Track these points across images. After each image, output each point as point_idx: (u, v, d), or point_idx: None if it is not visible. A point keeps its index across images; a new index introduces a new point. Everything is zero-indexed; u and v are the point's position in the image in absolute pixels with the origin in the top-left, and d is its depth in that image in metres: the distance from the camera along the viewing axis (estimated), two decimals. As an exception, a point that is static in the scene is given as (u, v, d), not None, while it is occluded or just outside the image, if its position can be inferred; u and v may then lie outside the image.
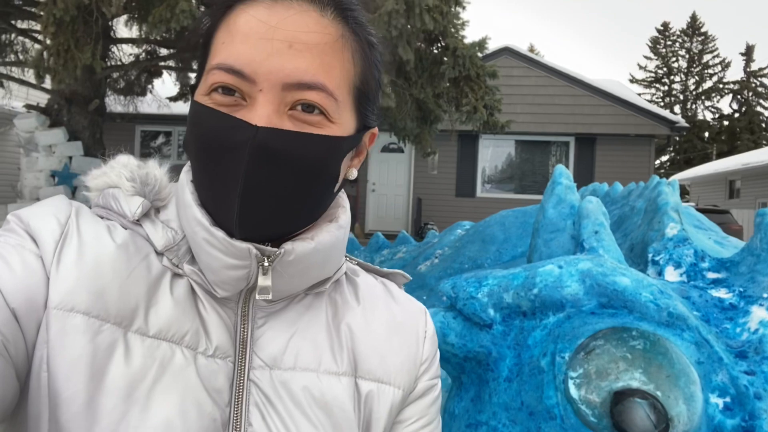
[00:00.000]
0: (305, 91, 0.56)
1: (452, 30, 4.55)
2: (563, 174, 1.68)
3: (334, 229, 0.63)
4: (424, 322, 0.74)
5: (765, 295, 1.27)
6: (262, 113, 0.55)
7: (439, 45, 4.65)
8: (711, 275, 1.57)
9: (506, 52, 10.78)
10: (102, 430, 0.52)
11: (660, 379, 1.07)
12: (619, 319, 1.21)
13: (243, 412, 0.58)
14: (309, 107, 0.57)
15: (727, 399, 1.08)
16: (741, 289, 1.36)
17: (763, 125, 33.06)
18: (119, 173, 0.64)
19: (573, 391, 1.12)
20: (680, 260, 1.61)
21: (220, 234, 0.56)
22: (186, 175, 0.62)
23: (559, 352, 1.20)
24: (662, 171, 32.05)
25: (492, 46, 11.23)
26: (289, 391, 0.60)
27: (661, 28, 35.48)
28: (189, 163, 0.63)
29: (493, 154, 11.09)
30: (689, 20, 34.99)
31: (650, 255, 1.68)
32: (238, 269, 0.57)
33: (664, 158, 34.38)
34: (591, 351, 1.15)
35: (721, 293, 1.38)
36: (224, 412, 0.57)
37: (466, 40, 4.75)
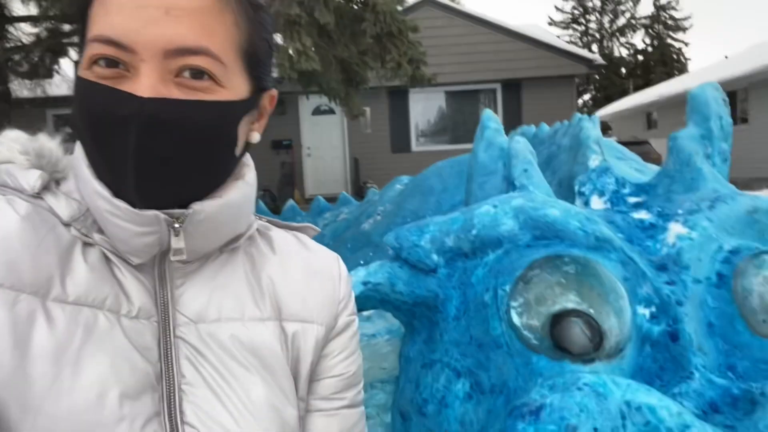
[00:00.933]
0: (189, 57, 0.56)
1: (371, -16, 4.50)
2: (491, 118, 1.73)
3: (242, 186, 0.65)
4: (338, 267, 0.78)
5: (680, 212, 1.38)
6: (146, 83, 0.54)
7: (358, 1, 4.57)
8: (632, 200, 1.68)
9: (427, 3, 10.73)
10: (36, 395, 0.53)
11: (592, 297, 1.16)
12: (552, 249, 1.29)
13: (174, 365, 0.60)
14: (197, 73, 0.57)
15: (653, 308, 1.18)
16: (659, 209, 1.47)
17: (674, 57, 34.69)
18: (10, 147, 0.62)
19: (515, 319, 1.19)
20: (603, 189, 1.72)
21: (123, 205, 0.57)
22: (79, 147, 0.62)
23: (500, 286, 1.28)
24: (585, 109, 33.23)
25: (411, -3, 11.17)
26: (217, 341, 0.62)
27: (574, -33, 36.16)
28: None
29: (424, 107, 11.17)
30: (600, -42, 35.81)
31: (576, 187, 1.78)
32: (148, 236, 0.58)
33: (586, 97, 35.61)
34: (529, 281, 1.23)
35: (642, 215, 1.49)
36: (156, 367, 0.60)
37: None
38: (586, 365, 1.10)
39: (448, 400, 1.27)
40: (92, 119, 0.56)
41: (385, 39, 4.68)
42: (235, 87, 0.61)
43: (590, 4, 36.10)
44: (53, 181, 0.63)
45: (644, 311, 1.18)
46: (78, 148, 0.62)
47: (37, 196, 0.61)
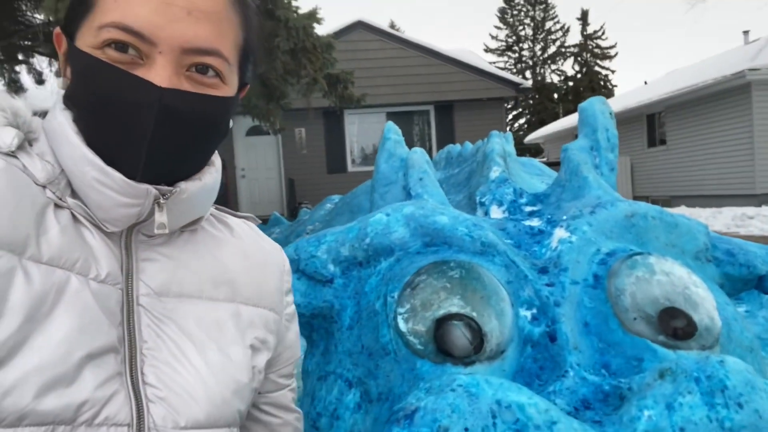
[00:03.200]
0: (204, 56, 0.63)
1: (284, 1, 4.49)
2: (392, 129, 1.75)
3: (214, 172, 0.71)
4: (283, 257, 0.86)
5: (565, 218, 1.43)
6: (163, 74, 0.60)
7: (274, 18, 4.57)
8: (528, 208, 1.73)
9: (360, 26, 10.90)
10: (7, 348, 0.54)
11: (475, 301, 1.17)
12: (441, 255, 1.30)
13: (135, 331, 0.63)
14: (204, 68, 0.63)
15: (534, 310, 1.21)
16: (549, 216, 1.52)
17: (602, 83, 36.64)
18: None
19: (402, 325, 1.19)
20: (502, 199, 1.76)
21: (117, 175, 0.60)
22: (64, 114, 0.63)
23: (390, 293, 1.27)
24: (521, 132, 34.47)
25: (346, 20, 11.32)
26: (177, 314, 0.66)
27: (507, -2, 37.81)
28: (59, 99, 0.65)
29: (359, 129, 11.23)
30: (530, -11, 37.64)
31: (477, 198, 1.82)
32: (132, 207, 0.61)
33: (522, 121, 37.01)
34: (416, 286, 1.23)
35: (534, 222, 1.53)
36: (118, 331, 0.62)
37: (301, 11, 4.72)
38: (467, 367, 1.11)
39: (339, 412, 1.25)
40: (107, 98, 0.60)
41: (300, 54, 4.68)
42: (233, 83, 0.68)
43: (523, 33, 37.76)
44: (27, 141, 0.64)
45: (526, 313, 1.21)
46: (60, 114, 0.64)
47: (11, 154, 0.61)
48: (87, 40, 0.61)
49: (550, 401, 1.04)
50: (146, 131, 0.60)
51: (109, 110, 0.60)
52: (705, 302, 1.16)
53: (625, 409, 0.96)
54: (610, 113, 1.77)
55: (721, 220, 8.17)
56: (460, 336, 1.11)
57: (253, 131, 10.74)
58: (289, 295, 0.85)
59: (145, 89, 0.59)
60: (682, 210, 9.52)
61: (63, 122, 0.63)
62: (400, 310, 1.22)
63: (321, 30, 5.53)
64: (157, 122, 0.60)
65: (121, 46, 0.60)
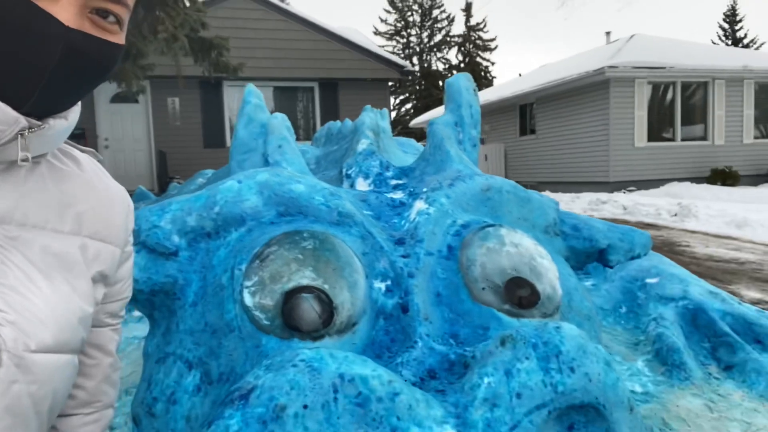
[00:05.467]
0: (111, 4, 0.63)
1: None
2: (252, 93, 1.63)
3: (77, 112, 0.71)
4: (129, 197, 0.85)
5: (425, 190, 1.41)
6: (70, 13, 0.59)
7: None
8: (393, 182, 1.71)
9: (242, -7, 10.37)
10: None
11: (327, 272, 1.12)
12: (295, 225, 1.23)
13: None
14: (105, 13, 0.63)
15: (388, 282, 1.18)
16: (411, 189, 1.50)
17: (482, 73, 38.36)
18: None
19: (248, 300, 1.10)
20: (368, 171, 1.72)
21: None
22: None
23: (237, 265, 1.18)
24: (407, 117, 35.16)
25: (225, -15, 10.68)
26: (21, 243, 0.65)
27: (396, -19, 38.13)
28: None
29: (239, 102, 10.72)
30: (419, -24, 38.26)
31: (344, 170, 1.76)
32: None
33: (408, 105, 37.77)
34: (266, 258, 1.15)
35: (398, 195, 1.51)
36: None
37: None
38: (315, 342, 1.05)
39: (177, 396, 1.14)
40: (5, 24, 0.57)
41: (158, 8, 4.30)
42: (125, 31, 0.68)
43: (411, 19, 38.35)
44: None
45: (380, 285, 1.17)
46: None
47: None
48: None
49: (397, 372, 1.01)
50: (46, 67, 0.59)
51: (8, 37, 0.58)
52: (549, 273, 1.20)
53: (467, 377, 0.96)
54: (474, 90, 1.79)
55: (579, 204, 8.90)
56: (308, 309, 1.05)
57: (118, 98, 9.83)
58: (131, 235, 0.86)
59: (51, 25, 0.59)
60: (547, 194, 10.28)
61: None
62: (247, 283, 1.13)
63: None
64: (58, 61, 0.59)
65: None
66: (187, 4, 4.72)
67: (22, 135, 0.62)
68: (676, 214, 6.97)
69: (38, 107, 0.63)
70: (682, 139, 12.08)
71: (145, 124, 10.30)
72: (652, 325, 2.03)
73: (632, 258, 1.60)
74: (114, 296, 0.83)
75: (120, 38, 0.67)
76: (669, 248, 4.95)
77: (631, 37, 13.97)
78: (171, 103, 10.14)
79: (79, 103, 0.73)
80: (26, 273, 0.65)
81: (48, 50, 0.59)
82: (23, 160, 0.64)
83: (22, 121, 0.62)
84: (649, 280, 2.26)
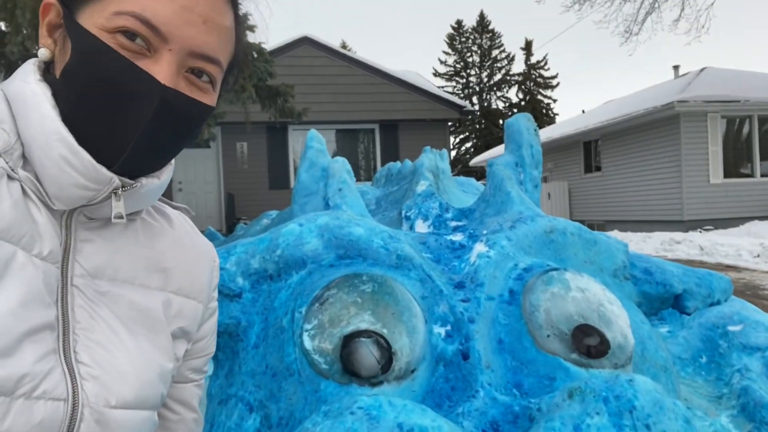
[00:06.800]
0: (207, 63, 0.66)
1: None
2: (314, 138, 1.68)
3: (171, 171, 0.73)
4: (215, 254, 0.87)
5: (485, 232, 1.39)
6: (167, 72, 0.62)
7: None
8: (453, 223, 1.69)
9: (306, 41, 10.81)
10: None
11: (386, 317, 1.10)
12: (354, 268, 1.23)
13: (69, 310, 0.64)
14: (200, 73, 0.66)
15: (448, 327, 1.15)
16: (471, 231, 1.48)
17: (544, 110, 38.02)
18: None
19: (307, 343, 1.11)
20: (427, 213, 1.72)
21: (86, 157, 0.61)
22: (41, 85, 0.63)
23: (298, 308, 1.19)
24: (467, 156, 35.16)
25: (292, 35, 11.23)
26: (110, 299, 0.67)
27: (456, 25, 38.81)
28: (33, 69, 0.65)
29: (303, 145, 11.05)
30: (478, 18, 38.78)
31: (404, 211, 1.76)
32: (88, 191, 0.62)
33: (468, 144, 37.83)
34: (325, 301, 1.15)
35: (457, 237, 1.49)
36: (55, 309, 0.63)
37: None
38: (374, 388, 1.03)
39: (237, 439, 1.14)
40: (107, 83, 0.60)
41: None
42: (218, 91, 0.71)
43: (470, 60, 38.79)
44: None
45: (440, 330, 1.15)
46: (35, 84, 0.64)
47: None
48: (96, 21, 0.62)
49: (458, 423, 0.98)
50: (141, 124, 0.61)
51: (107, 95, 0.61)
52: (619, 320, 1.14)
53: (533, 429, 0.91)
54: (535, 130, 1.76)
55: (650, 244, 8.51)
56: (367, 354, 1.04)
57: (191, 144, 10.41)
58: (215, 291, 0.87)
59: (148, 83, 0.61)
60: (614, 234, 9.89)
61: (38, 92, 0.63)
62: (307, 326, 1.13)
63: (267, 46, 5.41)
64: (153, 117, 0.61)
65: (131, 35, 0.61)
66: (255, 56, 5.00)
67: (116, 194, 0.64)
68: (758, 255, 6.50)
69: (131, 165, 0.64)
70: (762, 175, 11.39)
71: (216, 167, 10.81)
72: (737, 377, 1.87)
73: (711, 304, 1.50)
74: (197, 353, 0.83)
75: (212, 98, 0.69)
76: (752, 292, 4.61)
77: (702, 70, 13.48)
78: (239, 147, 10.62)
79: (173, 162, 0.75)
80: (112, 328, 0.66)
81: (144, 107, 0.61)
82: (117, 218, 0.66)
83: (116, 180, 0.64)
84: (731, 328, 2.10)
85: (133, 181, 0.66)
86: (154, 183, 0.69)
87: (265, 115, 6.93)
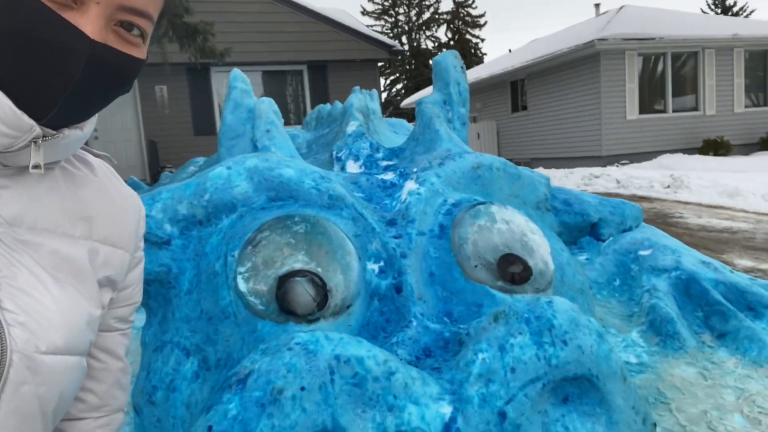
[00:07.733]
0: (137, 17, 0.63)
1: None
2: (238, 78, 1.62)
3: (93, 122, 0.71)
4: (141, 203, 0.85)
5: (415, 170, 1.41)
6: (96, 25, 0.59)
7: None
8: (384, 163, 1.71)
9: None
10: None
11: (320, 256, 1.12)
12: (286, 209, 1.23)
13: None
14: (130, 26, 0.63)
15: (381, 263, 1.18)
16: (402, 170, 1.50)
17: (472, 50, 38.06)
18: None
19: (242, 285, 1.11)
20: (358, 153, 1.72)
21: (6, 102, 0.58)
22: None
23: (230, 252, 1.18)
24: (398, 98, 34.93)
25: (209, -31, 10.47)
26: (30, 247, 0.65)
27: (383, -40, 37.58)
28: None
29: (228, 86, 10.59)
30: (405, -47, 37.71)
31: (334, 152, 1.75)
32: (6, 137, 0.60)
33: (399, 86, 37.51)
34: (258, 243, 1.15)
35: (388, 176, 1.51)
36: None
37: None
38: (310, 325, 1.06)
39: (176, 383, 1.15)
40: (28, 35, 0.58)
41: None
42: (148, 45, 0.69)
43: (397, -3, 37.91)
44: None
45: (373, 266, 1.18)
46: None
47: None
48: None
49: (393, 352, 1.02)
50: (70, 80, 0.59)
51: (31, 48, 0.59)
52: (540, 248, 1.20)
53: (462, 354, 0.96)
54: (462, 67, 1.78)
55: (572, 179, 8.93)
56: (302, 293, 1.05)
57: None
58: (142, 240, 0.86)
59: (77, 38, 0.59)
60: (539, 171, 10.29)
61: None
62: (241, 269, 1.13)
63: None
64: (82, 74, 0.60)
65: None
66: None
67: (35, 143, 0.63)
68: (668, 186, 7.00)
69: (58, 118, 0.63)
70: (674, 111, 12.08)
71: (134, 113, 10.21)
72: (646, 296, 2.05)
73: (624, 231, 1.61)
74: (123, 301, 0.83)
75: (142, 52, 0.67)
76: (662, 220, 4.99)
77: (621, 8, 13.86)
78: (159, 91, 10.04)
79: (96, 114, 0.73)
80: (36, 275, 0.65)
81: (72, 63, 0.59)
82: (35, 167, 0.64)
83: (37, 129, 0.62)
84: (642, 252, 2.27)
85: (55, 132, 0.64)
86: (77, 134, 0.67)
87: (184, 56, 6.56)
